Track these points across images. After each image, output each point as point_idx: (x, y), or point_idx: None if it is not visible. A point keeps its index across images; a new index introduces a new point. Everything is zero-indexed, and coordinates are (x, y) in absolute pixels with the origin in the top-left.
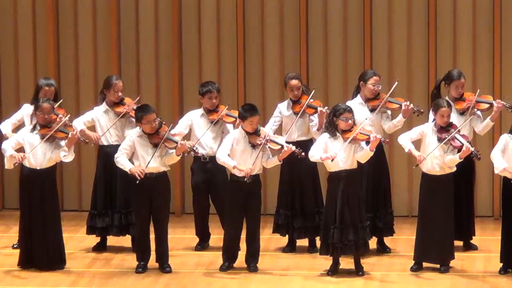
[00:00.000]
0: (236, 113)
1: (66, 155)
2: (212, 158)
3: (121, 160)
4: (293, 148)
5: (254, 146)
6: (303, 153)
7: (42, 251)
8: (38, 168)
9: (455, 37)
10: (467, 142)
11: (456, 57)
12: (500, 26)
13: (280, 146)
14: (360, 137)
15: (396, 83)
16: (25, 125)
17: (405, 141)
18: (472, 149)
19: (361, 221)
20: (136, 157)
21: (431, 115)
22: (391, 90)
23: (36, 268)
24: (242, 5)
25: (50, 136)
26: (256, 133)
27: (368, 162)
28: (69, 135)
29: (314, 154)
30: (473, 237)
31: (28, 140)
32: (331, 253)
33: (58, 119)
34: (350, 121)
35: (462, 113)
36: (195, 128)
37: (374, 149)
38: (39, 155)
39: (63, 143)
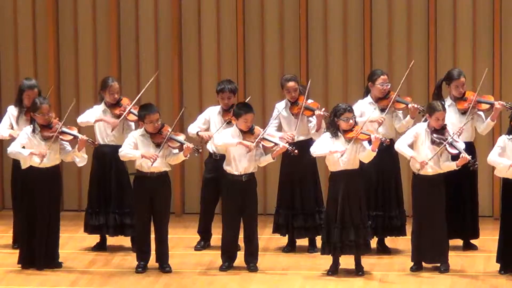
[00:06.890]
0: None
1: (80, 160)
2: (223, 156)
3: (127, 151)
4: (287, 146)
5: None
6: (296, 151)
7: (42, 251)
8: (44, 167)
9: (455, 37)
10: (464, 149)
11: (456, 57)
12: (500, 26)
13: (273, 144)
14: (362, 137)
15: (402, 81)
16: (12, 126)
17: (404, 147)
18: (469, 157)
19: (362, 221)
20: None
21: None
22: (398, 89)
23: (35, 267)
24: (242, 5)
25: (54, 137)
26: (250, 131)
27: (379, 161)
28: (78, 139)
29: (317, 150)
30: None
31: (32, 141)
32: (332, 253)
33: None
34: (351, 121)
35: (463, 112)
36: (211, 125)
37: (377, 149)
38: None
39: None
